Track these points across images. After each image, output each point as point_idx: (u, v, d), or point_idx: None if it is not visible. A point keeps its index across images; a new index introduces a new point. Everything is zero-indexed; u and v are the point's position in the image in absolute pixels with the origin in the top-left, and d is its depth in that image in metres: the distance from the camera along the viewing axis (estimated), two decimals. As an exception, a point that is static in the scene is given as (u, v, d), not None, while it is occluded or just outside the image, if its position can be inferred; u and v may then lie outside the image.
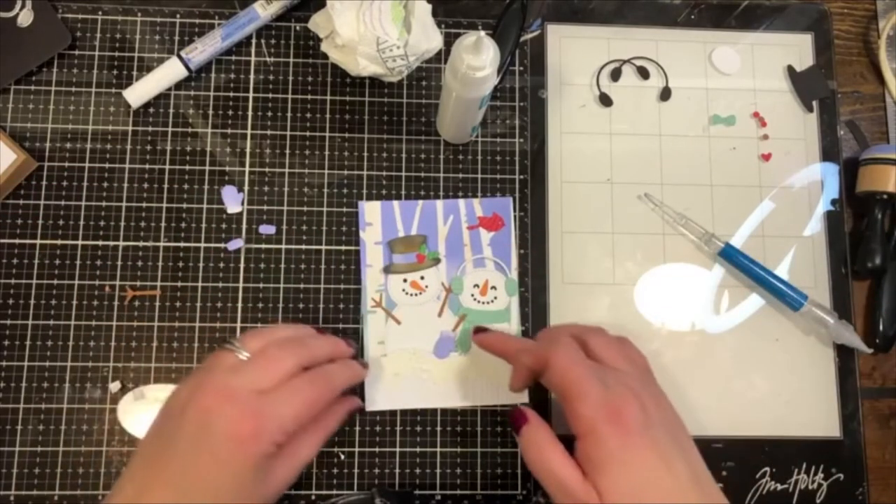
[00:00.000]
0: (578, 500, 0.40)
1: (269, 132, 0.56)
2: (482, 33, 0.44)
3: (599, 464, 0.40)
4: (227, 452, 0.39)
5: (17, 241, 0.53)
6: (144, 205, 0.54)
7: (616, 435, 0.40)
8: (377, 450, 0.52)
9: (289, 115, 0.56)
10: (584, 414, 0.41)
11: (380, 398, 0.52)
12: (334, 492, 0.51)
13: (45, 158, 0.54)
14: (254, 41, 0.57)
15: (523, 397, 0.53)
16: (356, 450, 0.52)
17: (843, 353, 0.55)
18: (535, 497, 0.52)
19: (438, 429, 0.52)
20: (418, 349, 0.53)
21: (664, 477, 0.40)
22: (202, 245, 0.54)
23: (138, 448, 0.43)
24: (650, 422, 0.41)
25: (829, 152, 0.59)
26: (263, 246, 0.54)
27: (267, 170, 0.55)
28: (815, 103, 0.59)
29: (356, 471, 0.52)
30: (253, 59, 0.57)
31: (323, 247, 0.55)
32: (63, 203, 0.54)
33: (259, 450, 0.40)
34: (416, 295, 0.54)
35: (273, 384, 0.42)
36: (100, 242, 0.54)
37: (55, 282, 0.53)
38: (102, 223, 0.54)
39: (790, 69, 0.60)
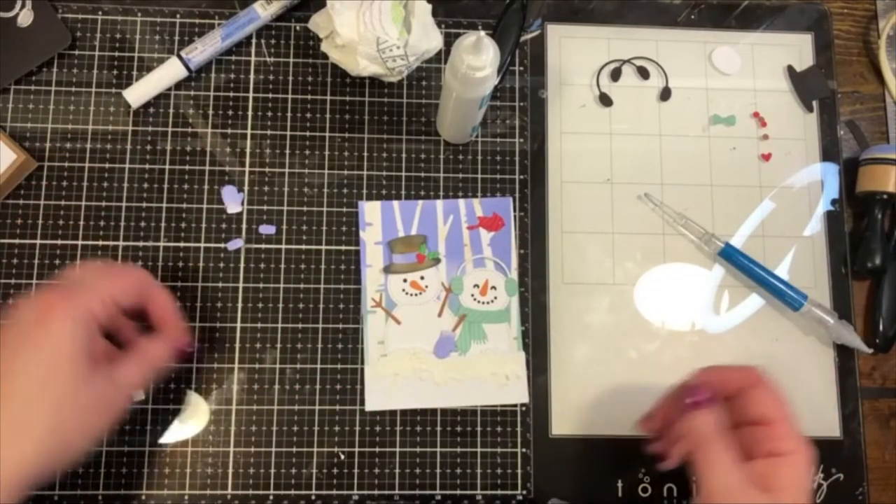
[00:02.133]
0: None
1: (269, 132, 0.56)
2: (482, 33, 0.44)
3: (785, 484, 0.42)
4: (38, 316, 0.40)
5: (17, 241, 0.53)
6: (144, 205, 0.54)
7: (806, 465, 0.42)
8: (377, 450, 0.52)
9: (289, 115, 0.56)
10: (794, 436, 0.43)
11: (379, 398, 0.52)
12: (334, 492, 0.51)
13: (45, 158, 0.54)
14: (254, 41, 0.57)
15: (523, 396, 0.53)
16: (356, 450, 0.52)
17: (843, 353, 0.55)
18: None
19: (438, 429, 0.52)
20: (418, 349, 0.53)
21: None
22: (202, 245, 0.54)
23: None
24: None
25: (829, 152, 0.59)
26: (263, 246, 0.54)
27: (267, 170, 0.55)
28: (815, 103, 0.59)
29: (356, 471, 0.52)
30: (253, 59, 0.57)
31: (323, 247, 0.55)
32: (63, 203, 0.54)
33: (67, 315, 0.40)
34: (416, 295, 0.54)
35: None
36: (100, 242, 0.53)
37: (55, 282, 0.53)
38: (102, 223, 0.54)
39: (790, 69, 0.60)
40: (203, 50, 0.55)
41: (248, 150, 0.56)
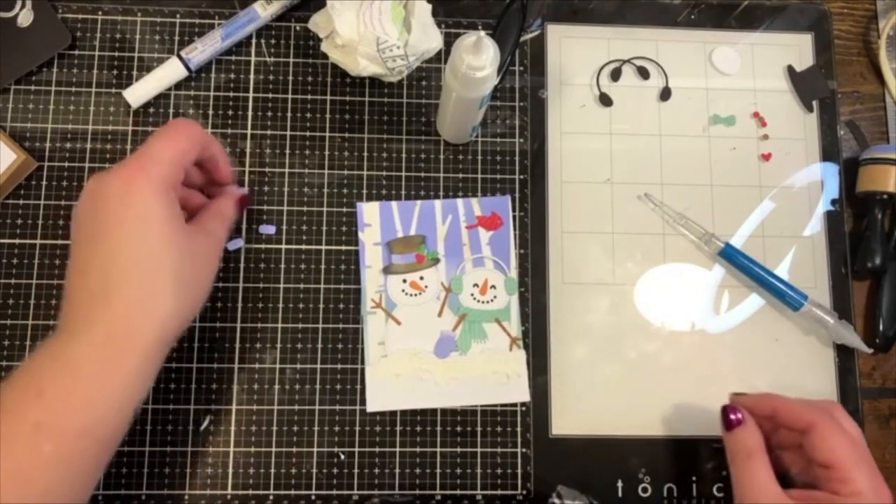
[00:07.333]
0: None
1: (269, 132, 0.56)
2: (482, 33, 0.44)
3: None
4: (122, 192, 0.41)
5: (17, 241, 0.53)
6: (144, 205, 0.54)
7: None
8: (377, 450, 0.52)
9: (289, 115, 0.56)
10: (857, 480, 0.43)
11: (380, 398, 0.52)
12: (334, 492, 0.51)
13: (45, 158, 0.54)
14: (254, 41, 0.57)
15: (524, 395, 0.53)
16: (356, 450, 0.52)
17: (843, 353, 0.55)
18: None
19: (438, 429, 0.52)
20: (418, 349, 0.53)
21: None
22: (202, 245, 0.54)
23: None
24: None
25: (829, 152, 0.59)
26: (263, 246, 0.54)
27: (267, 170, 0.55)
28: (815, 103, 0.59)
29: (356, 471, 0.52)
30: (253, 59, 0.57)
31: (323, 247, 0.55)
32: (63, 203, 0.54)
33: (149, 187, 0.41)
34: (415, 295, 0.54)
35: None
36: (100, 242, 0.53)
37: (55, 282, 0.53)
38: (102, 223, 0.54)
39: (790, 69, 0.60)
40: (203, 50, 0.55)
41: (248, 150, 0.56)
